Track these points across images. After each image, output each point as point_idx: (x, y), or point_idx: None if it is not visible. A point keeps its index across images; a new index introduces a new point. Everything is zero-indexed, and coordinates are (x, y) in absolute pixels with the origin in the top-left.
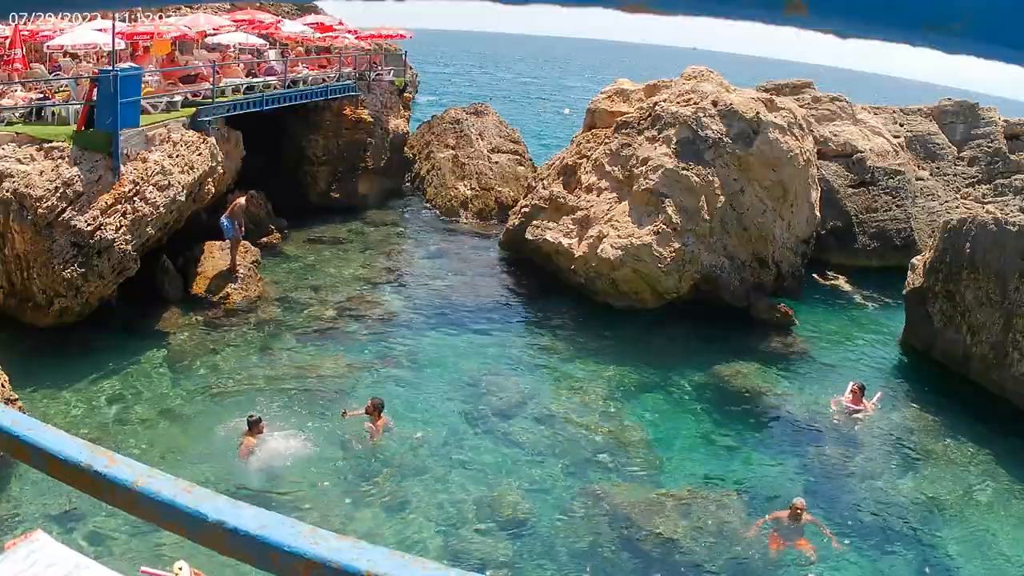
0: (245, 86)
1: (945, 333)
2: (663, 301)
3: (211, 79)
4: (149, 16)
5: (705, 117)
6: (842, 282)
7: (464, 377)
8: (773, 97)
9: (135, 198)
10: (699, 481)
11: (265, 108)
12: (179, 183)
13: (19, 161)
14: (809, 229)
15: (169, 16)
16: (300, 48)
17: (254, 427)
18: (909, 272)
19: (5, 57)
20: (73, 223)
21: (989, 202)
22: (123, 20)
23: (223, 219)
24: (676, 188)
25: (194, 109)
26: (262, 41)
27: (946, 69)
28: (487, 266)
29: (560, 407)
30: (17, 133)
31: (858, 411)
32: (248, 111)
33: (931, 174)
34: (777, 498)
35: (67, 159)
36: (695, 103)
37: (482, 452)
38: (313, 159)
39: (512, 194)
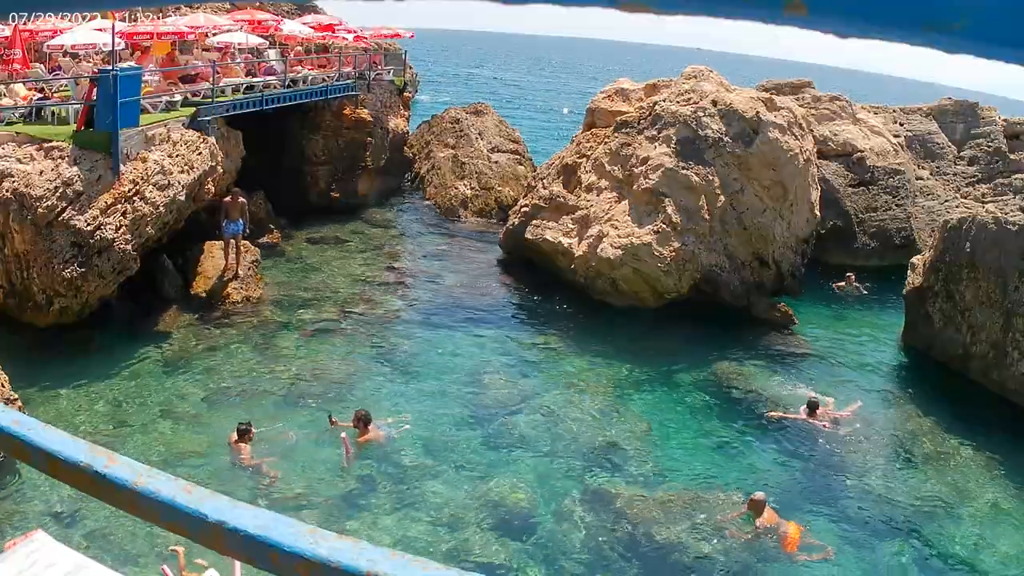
0: (245, 86)
1: (945, 333)
2: (663, 301)
3: (211, 79)
4: (149, 16)
5: (705, 117)
6: (856, 284)
7: (464, 377)
8: (773, 97)
9: (135, 198)
10: (698, 481)
11: (265, 108)
12: (179, 183)
13: (19, 161)
14: (809, 229)
15: (169, 16)
16: (300, 48)
17: (244, 435)
18: (909, 272)
19: (5, 57)
20: (73, 223)
21: (989, 201)
22: (123, 20)
23: (224, 223)
24: (676, 188)
25: (194, 109)
26: (262, 40)
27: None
28: (487, 266)
29: (560, 407)
30: (17, 133)
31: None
32: (248, 111)
33: (931, 174)
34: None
35: (67, 159)
36: (695, 103)
37: (481, 452)
38: (313, 159)
39: (512, 194)
